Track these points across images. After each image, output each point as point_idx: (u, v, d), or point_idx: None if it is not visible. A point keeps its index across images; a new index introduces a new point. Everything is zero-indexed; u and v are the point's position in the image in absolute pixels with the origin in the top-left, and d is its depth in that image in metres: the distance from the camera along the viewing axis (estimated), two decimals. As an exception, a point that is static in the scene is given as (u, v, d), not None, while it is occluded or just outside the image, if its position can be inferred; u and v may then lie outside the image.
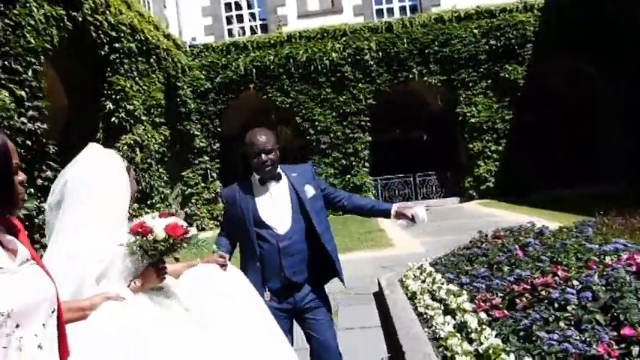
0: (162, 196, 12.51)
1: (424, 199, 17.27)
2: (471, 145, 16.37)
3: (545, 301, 3.10)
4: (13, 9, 7.57)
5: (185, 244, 1.86)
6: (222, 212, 2.96)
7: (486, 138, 16.32)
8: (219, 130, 16.99)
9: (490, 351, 2.91)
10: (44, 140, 7.77)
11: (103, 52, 10.52)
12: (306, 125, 16.59)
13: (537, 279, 3.29)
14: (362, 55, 16.43)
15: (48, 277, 1.28)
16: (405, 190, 17.85)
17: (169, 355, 1.58)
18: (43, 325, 1.21)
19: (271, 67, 16.55)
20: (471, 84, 16.36)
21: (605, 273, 3.14)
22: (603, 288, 2.95)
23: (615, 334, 2.56)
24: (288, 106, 16.65)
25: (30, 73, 7.66)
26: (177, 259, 2.07)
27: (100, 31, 10.27)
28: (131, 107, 11.30)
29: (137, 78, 11.95)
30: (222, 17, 18.16)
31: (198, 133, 16.44)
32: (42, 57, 8.12)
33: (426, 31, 16.41)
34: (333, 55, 16.43)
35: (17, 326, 1.14)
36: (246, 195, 2.67)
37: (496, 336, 2.99)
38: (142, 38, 12.33)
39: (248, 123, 18.27)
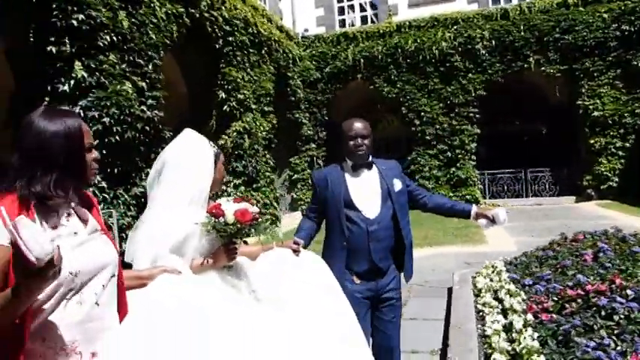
0: (268, 180, 13.26)
1: (535, 197, 16.32)
2: (592, 141, 15.05)
3: (594, 308, 2.98)
4: (139, 9, 8.55)
5: (253, 230, 1.95)
6: (312, 193, 2.92)
7: (611, 133, 14.90)
8: (327, 118, 17.48)
9: (524, 351, 2.90)
10: (160, 126, 8.70)
11: (217, 46, 11.39)
12: (411, 116, 16.44)
13: (591, 285, 3.15)
14: (473, 44, 15.83)
15: (112, 247, 1.50)
16: (515, 186, 16.96)
17: (236, 334, 1.56)
18: (103, 286, 1.42)
19: (379, 57, 16.60)
20: (595, 74, 15.00)
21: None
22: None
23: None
24: (394, 96, 16.61)
25: (150, 66, 8.61)
26: (245, 243, 2.14)
27: (215, 26, 11.13)
28: (241, 96, 12.11)
29: (249, 69, 12.75)
30: (334, 8, 18.54)
31: (306, 122, 17.07)
32: (162, 51, 9.06)
33: (547, 18, 15.32)
34: (443, 44, 16.03)
35: (81, 285, 1.36)
36: (339, 178, 2.75)
37: (537, 338, 2.96)
38: (255, 31, 13.08)
39: (355, 112, 18.60)
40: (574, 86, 15.30)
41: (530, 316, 3.26)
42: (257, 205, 2.10)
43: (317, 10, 18.48)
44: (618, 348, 2.55)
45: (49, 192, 1.33)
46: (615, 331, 2.68)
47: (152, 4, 8.91)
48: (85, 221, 1.45)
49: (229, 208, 1.91)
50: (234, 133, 11.94)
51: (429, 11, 16.81)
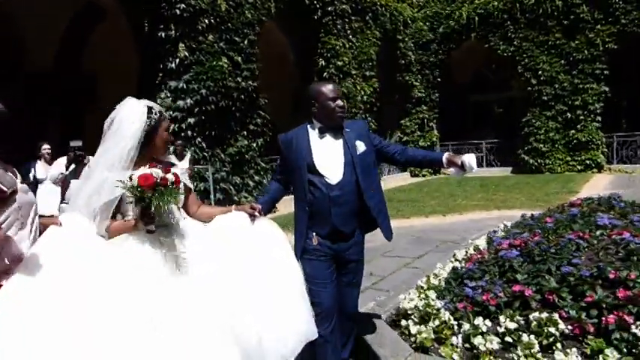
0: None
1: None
2: None
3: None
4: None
5: (157, 194, 1.94)
6: (279, 156, 2.96)
7: None
8: (439, 80, 17.47)
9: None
10: (255, 95, 10.03)
11: (316, 17, 12.30)
12: (527, 75, 15.69)
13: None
14: (604, -8, 14.38)
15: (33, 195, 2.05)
16: (651, 151, 15.33)
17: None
18: (32, 219, 1.96)
19: (495, 13, 16.01)
20: None
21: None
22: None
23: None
24: (510, 54, 15.96)
25: (246, 42, 9.90)
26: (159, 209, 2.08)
27: (313, -2, 12.04)
28: (340, 63, 12.95)
29: (350, 36, 13.48)
30: (451, -35, 18.05)
31: (417, 84, 17.28)
32: (257, 27, 10.27)
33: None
34: (568, -6, 14.85)
35: (21, 215, 1.90)
36: (303, 142, 2.74)
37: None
38: (358, -1, 13.70)
39: (469, 73, 18.26)
40: None
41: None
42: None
43: (434, -33, 18.19)
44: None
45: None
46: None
47: (250, -14, 10.12)
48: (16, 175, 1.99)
49: (136, 173, 1.98)
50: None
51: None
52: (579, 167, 15.05)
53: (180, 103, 8.71)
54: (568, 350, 2.69)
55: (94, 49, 11.23)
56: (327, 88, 2.76)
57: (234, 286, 2.09)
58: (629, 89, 15.64)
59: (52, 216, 2.35)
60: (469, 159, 2.69)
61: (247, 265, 2.17)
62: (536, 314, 2.89)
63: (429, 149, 17.53)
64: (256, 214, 2.39)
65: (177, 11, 8.62)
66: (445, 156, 2.79)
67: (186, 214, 2.30)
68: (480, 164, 17.83)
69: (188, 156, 6.93)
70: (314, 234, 2.73)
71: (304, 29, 12.39)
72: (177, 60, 8.74)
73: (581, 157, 15.08)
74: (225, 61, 9.29)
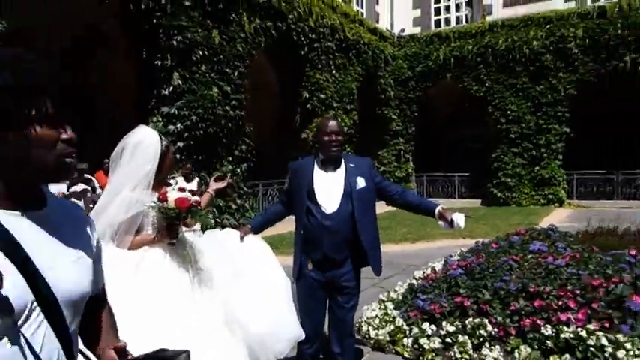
0: (347, 170, 14.80)
1: (627, 200, 15.71)
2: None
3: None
4: (230, 27, 10.58)
5: (190, 215, 2.35)
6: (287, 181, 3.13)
7: None
8: (416, 114, 18.46)
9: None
10: (241, 123, 10.72)
11: (302, 52, 13.15)
12: (497, 114, 16.76)
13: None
14: (565, 43, 15.65)
15: None
16: (606, 187, 16.43)
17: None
18: None
19: (469, 56, 17.11)
20: (701, 74, 14.08)
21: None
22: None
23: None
24: (482, 94, 17.04)
25: (236, 73, 10.63)
26: (185, 225, 2.48)
27: (301, 35, 12.89)
28: (323, 96, 13.78)
29: (333, 71, 14.35)
30: (431, 9, 19.31)
31: (395, 117, 18.24)
32: (247, 60, 11.03)
33: (648, 14, 14.65)
34: (534, 43, 16.07)
35: None
36: (307, 171, 2.92)
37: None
38: (342, 37, 14.60)
39: (445, 110, 19.32)
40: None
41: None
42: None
43: (414, 11, 19.44)
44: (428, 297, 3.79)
45: None
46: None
47: (242, 22, 10.89)
48: None
49: (172, 196, 2.29)
50: (315, 129, 13.65)
51: (524, 10, 16.90)
52: (543, 201, 16.04)
53: (171, 127, 9.33)
54: (493, 347, 3.38)
55: (94, 71, 11.83)
56: (324, 124, 2.95)
57: (238, 289, 2.42)
58: (587, 131, 16.81)
59: None
60: (458, 219, 2.80)
61: (245, 272, 2.51)
62: (471, 320, 3.59)
63: (405, 180, 18.43)
64: (245, 234, 2.78)
65: (174, 42, 9.32)
66: (438, 209, 2.92)
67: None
68: (451, 196, 18.78)
69: (196, 179, 7.58)
70: (309, 260, 2.91)
71: (291, 63, 13.21)
72: (171, 87, 9.39)
73: (544, 192, 16.09)
74: (216, 90, 9.99)
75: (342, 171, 2.92)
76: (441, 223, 2.88)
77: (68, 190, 5.60)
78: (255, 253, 2.70)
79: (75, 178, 5.58)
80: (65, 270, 0.94)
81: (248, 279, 2.50)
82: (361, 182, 2.89)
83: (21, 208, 0.90)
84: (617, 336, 3.03)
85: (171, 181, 2.75)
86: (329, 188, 2.88)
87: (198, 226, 2.93)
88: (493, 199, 16.77)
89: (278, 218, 3.18)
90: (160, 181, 2.46)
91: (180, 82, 9.44)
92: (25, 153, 0.87)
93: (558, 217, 13.14)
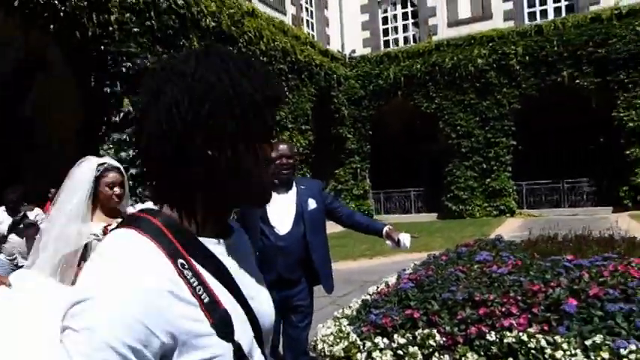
0: (305, 190, 14.91)
1: (572, 207, 16.46)
2: (628, 152, 15.07)
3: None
4: (180, 52, 10.56)
5: None
6: None
7: (647, 144, 14.86)
8: (370, 133, 18.83)
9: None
10: (195, 146, 10.67)
11: (254, 75, 13.25)
12: (448, 130, 17.33)
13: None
14: (508, 60, 16.44)
15: None
16: (553, 196, 17.18)
17: None
18: None
19: (418, 74, 17.69)
20: (630, 86, 15.04)
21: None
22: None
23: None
24: (432, 111, 17.60)
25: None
26: None
27: (252, 59, 13.00)
28: (278, 117, 13.76)
29: (287, 93, 14.52)
30: (379, 30, 19.91)
31: (350, 136, 18.55)
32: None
33: (580, 32, 15.59)
34: (479, 61, 16.79)
35: None
36: None
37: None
38: (294, 59, 14.84)
39: (398, 127, 19.80)
40: (609, 98, 15.40)
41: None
42: None
43: (364, 32, 19.98)
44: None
45: None
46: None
47: (192, 46, 10.91)
48: None
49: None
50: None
51: (467, 30, 17.65)
52: (495, 212, 16.60)
53: (123, 154, 9.21)
54: (442, 357, 3.49)
55: (38, 98, 11.55)
56: (274, 147, 2.87)
57: None
58: (533, 143, 17.58)
59: None
60: (404, 239, 2.97)
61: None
62: (421, 331, 3.70)
63: (362, 197, 18.70)
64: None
65: (123, 69, 9.25)
66: (385, 230, 3.07)
67: None
68: (408, 211, 19.16)
69: (149, 204, 7.38)
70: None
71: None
72: (122, 114, 9.29)
73: (496, 203, 16.66)
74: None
75: (293, 193, 2.99)
76: (388, 242, 3.03)
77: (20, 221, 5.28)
78: None
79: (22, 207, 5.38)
80: (263, 301, 0.85)
81: None
82: (312, 203, 2.97)
83: (218, 235, 0.79)
84: (555, 337, 3.19)
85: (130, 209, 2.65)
86: (281, 210, 2.93)
87: None
88: (448, 212, 17.22)
89: None
90: (111, 210, 2.44)
91: (131, 109, 9.35)
92: (248, 171, 0.76)
93: (510, 227, 13.62)
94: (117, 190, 2.51)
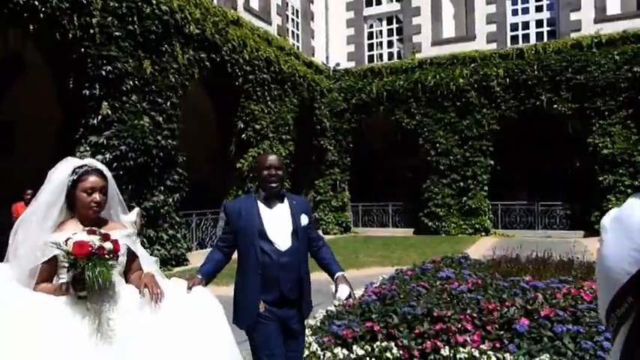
0: (283, 200, 14.93)
1: (546, 229, 16.76)
2: (601, 178, 15.43)
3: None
4: (162, 58, 10.61)
5: (90, 264, 1.88)
6: (224, 224, 2.99)
7: (620, 171, 15.23)
8: (351, 145, 18.98)
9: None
10: (174, 152, 10.66)
11: (237, 83, 13.31)
12: (427, 147, 17.55)
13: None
14: (488, 82, 16.75)
15: None
16: (528, 217, 17.48)
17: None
18: None
19: (400, 91, 17.90)
20: (606, 113, 15.44)
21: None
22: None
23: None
24: (412, 127, 17.82)
25: (168, 104, 10.61)
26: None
27: (235, 67, 13.08)
28: (259, 126, 13.96)
29: (269, 102, 14.59)
30: (364, 45, 20.18)
31: (331, 148, 18.67)
32: (180, 91, 11.05)
33: (560, 58, 15.98)
34: (460, 80, 17.08)
35: None
36: (252, 209, 2.80)
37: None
38: (277, 69, 14.93)
39: (379, 141, 19.99)
40: (585, 124, 15.79)
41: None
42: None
43: (349, 46, 20.24)
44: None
45: None
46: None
47: (175, 53, 10.95)
48: None
49: (75, 238, 1.93)
50: (250, 158, 13.78)
51: (450, 49, 17.96)
52: (470, 230, 16.80)
53: (99, 157, 9.12)
54: (398, 370, 3.56)
55: (15, 99, 11.45)
56: (264, 158, 2.90)
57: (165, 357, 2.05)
58: (511, 164, 17.90)
59: None
60: (342, 291, 2.78)
61: (180, 335, 2.10)
62: (379, 343, 3.77)
63: (341, 209, 18.79)
64: (191, 285, 2.42)
65: (103, 72, 9.23)
66: (336, 276, 2.89)
67: (124, 279, 2.25)
68: (386, 224, 19.30)
69: (136, 210, 7.30)
70: (261, 301, 2.72)
71: (225, 93, 13.33)
72: (100, 117, 9.25)
73: (471, 221, 16.87)
74: (147, 120, 9.93)
75: (286, 207, 2.87)
76: (332, 286, 2.88)
77: None
78: (201, 307, 2.30)
79: None
80: None
81: (188, 340, 2.13)
82: (304, 220, 2.87)
83: None
84: (505, 355, 3.29)
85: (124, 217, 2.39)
86: (278, 224, 2.81)
87: (132, 216, 2.51)
88: (424, 228, 17.38)
89: (222, 266, 2.93)
90: (90, 219, 2.19)
91: (110, 112, 9.33)
92: None
93: (484, 246, 13.80)
94: (96, 196, 2.20)
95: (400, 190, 19.66)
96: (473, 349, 3.42)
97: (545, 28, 17.78)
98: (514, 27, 18.12)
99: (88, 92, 9.19)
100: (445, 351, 3.51)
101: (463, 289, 4.21)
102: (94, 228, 2.07)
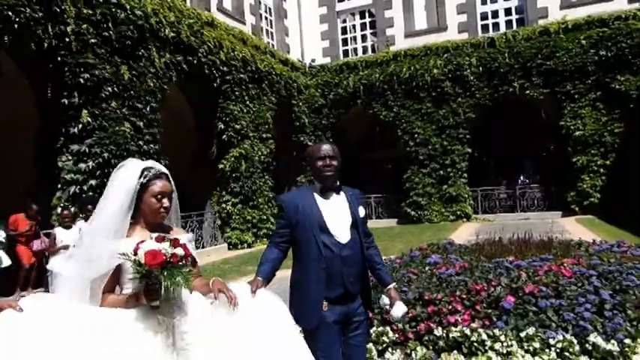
0: (267, 198, 15.06)
1: (525, 212, 17.21)
2: (574, 159, 15.91)
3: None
4: (139, 62, 10.60)
5: (166, 274, 1.77)
6: (280, 218, 2.79)
7: (592, 152, 15.72)
8: (331, 140, 19.12)
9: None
10: (156, 157, 10.65)
11: (215, 84, 13.35)
12: (406, 137, 17.83)
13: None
14: (462, 71, 17.08)
15: None
16: (508, 201, 17.92)
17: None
18: None
19: (377, 84, 18.13)
20: (576, 96, 15.91)
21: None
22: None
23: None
24: (391, 119, 18.08)
25: (148, 108, 10.62)
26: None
27: (213, 69, 13.12)
28: (239, 126, 14.03)
29: (247, 102, 14.66)
30: (339, 40, 20.34)
31: (311, 144, 18.75)
32: (159, 95, 11.05)
33: (530, 45, 16.39)
34: (435, 71, 17.37)
35: None
36: (310, 202, 2.67)
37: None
38: (254, 69, 14.99)
39: (358, 135, 20.21)
40: (557, 108, 16.24)
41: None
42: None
43: (323, 42, 20.37)
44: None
45: None
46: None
47: (152, 57, 10.94)
48: None
49: (144, 247, 1.79)
50: (232, 159, 13.86)
51: (423, 41, 18.24)
52: (452, 217, 17.15)
53: (82, 165, 9.14)
54: (394, 352, 3.75)
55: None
56: (316, 148, 2.77)
57: None
58: (488, 150, 18.33)
59: None
60: (397, 311, 2.68)
61: (252, 342, 1.98)
62: (375, 328, 3.95)
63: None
64: (254, 288, 2.25)
65: (81, 80, 9.20)
66: (389, 288, 2.80)
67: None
68: (369, 216, 19.45)
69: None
70: (323, 300, 2.57)
71: (204, 95, 13.36)
72: (80, 125, 9.23)
73: (453, 208, 17.22)
74: (128, 126, 9.93)
75: (342, 198, 2.75)
76: (384, 298, 2.79)
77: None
78: (268, 311, 2.16)
79: None
80: None
81: (260, 346, 1.99)
82: (362, 211, 2.78)
83: None
84: (495, 331, 3.50)
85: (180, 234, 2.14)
86: (337, 216, 2.69)
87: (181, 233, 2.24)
88: (407, 217, 17.68)
89: (280, 264, 2.76)
90: (155, 225, 2.05)
91: (90, 120, 9.31)
92: None
93: (466, 231, 14.13)
94: (165, 202, 2.06)
95: (381, 181, 19.92)
96: (464, 328, 3.63)
97: (514, 16, 18.18)
98: (484, 16, 18.49)
99: (67, 101, 9.15)
100: (438, 331, 3.71)
101: (451, 272, 4.41)
102: (162, 234, 1.91)
